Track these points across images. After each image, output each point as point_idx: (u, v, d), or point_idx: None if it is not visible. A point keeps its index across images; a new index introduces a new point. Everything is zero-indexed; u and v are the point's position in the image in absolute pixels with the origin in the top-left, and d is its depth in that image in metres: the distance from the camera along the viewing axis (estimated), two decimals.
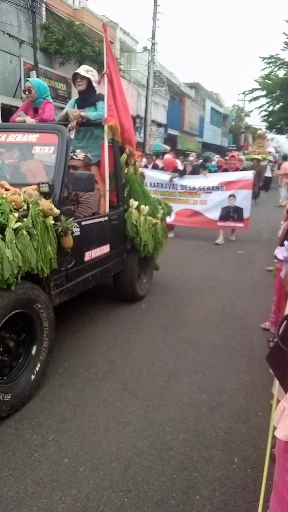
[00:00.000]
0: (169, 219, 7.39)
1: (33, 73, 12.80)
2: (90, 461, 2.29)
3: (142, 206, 4.43)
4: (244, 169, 9.82)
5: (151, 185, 8.22)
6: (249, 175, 8.12)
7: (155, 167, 10.11)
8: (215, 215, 8.14)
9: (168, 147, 20.97)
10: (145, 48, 22.80)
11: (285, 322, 1.55)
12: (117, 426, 2.59)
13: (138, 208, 4.41)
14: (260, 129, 25.60)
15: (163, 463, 2.30)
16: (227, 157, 11.57)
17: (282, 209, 7.79)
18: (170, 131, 27.14)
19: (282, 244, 3.43)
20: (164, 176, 8.53)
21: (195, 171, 8.88)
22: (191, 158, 10.79)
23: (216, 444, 2.46)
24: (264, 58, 27.48)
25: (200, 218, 8.29)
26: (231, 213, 8.04)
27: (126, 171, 4.43)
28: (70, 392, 2.94)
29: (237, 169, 8.41)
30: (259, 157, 16.34)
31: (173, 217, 7.81)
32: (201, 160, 14.22)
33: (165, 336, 3.94)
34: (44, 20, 14.66)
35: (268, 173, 18.66)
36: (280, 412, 1.40)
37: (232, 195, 7.99)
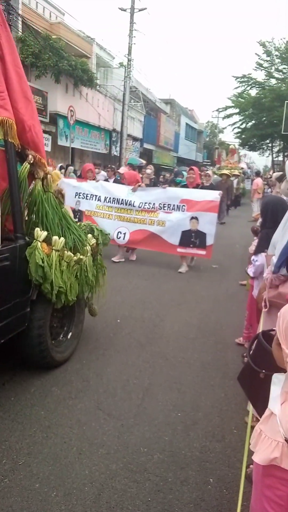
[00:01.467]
0: (122, 241, 7.27)
1: None
2: (62, 486, 2.21)
3: (55, 237, 3.18)
4: (211, 186, 9.30)
5: (105, 200, 7.48)
6: (215, 195, 6.88)
7: (116, 182, 8.64)
8: (174, 239, 7.01)
9: (144, 161, 21.14)
10: (121, 64, 23.09)
11: (255, 341, 1.55)
12: (91, 448, 2.52)
13: (47, 240, 3.17)
14: (233, 144, 26.19)
15: (137, 485, 2.24)
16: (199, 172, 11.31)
17: (255, 223, 7.95)
18: (146, 145, 27.41)
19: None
20: (121, 191, 7.48)
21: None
22: (148, 171, 9.63)
23: (191, 464, 2.43)
24: (237, 77, 28.37)
25: (157, 241, 7.16)
26: (193, 238, 6.90)
27: (30, 188, 3.29)
28: (43, 413, 2.85)
29: (197, 186, 7.43)
30: (228, 172, 15.99)
31: (127, 238, 7.29)
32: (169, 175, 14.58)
33: (140, 351, 3.90)
34: (20, 33, 14.65)
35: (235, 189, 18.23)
36: (256, 435, 1.38)
37: (195, 218, 6.88)
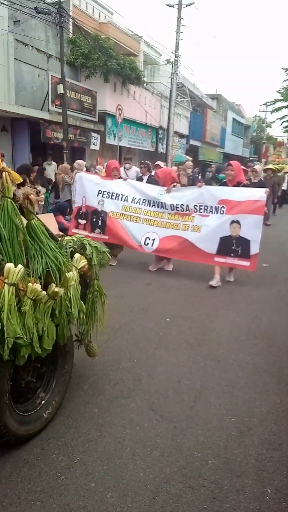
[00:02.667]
0: (150, 248, 6.41)
1: (60, 86, 13.03)
2: (117, 487, 2.22)
3: (9, 265, 2.20)
4: (260, 182, 8.63)
5: (133, 200, 6.64)
6: (260, 194, 5.78)
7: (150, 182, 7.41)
8: (211, 247, 5.99)
9: (190, 158, 20.98)
10: (168, 61, 23.00)
11: None
12: (144, 449, 2.52)
13: None
14: (282, 138, 25.37)
15: (192, 492, 2.21)
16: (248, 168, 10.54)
17: None
18: (192, 142, 27.16)
19: None
20: (151, 190, 6.60)
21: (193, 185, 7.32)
22: (189, 169, 8.97)
23: (248, 472, 2.36)
24: (287, 69, 27.39)
25: (191, 249, 6.16)
26: (234, 245, 5.85)
27: None
28: (96, 411, 2.88)
29: (238, 184, 6.09)
30: (274, 167, 14.92)
31: (156, 245, 6.39)
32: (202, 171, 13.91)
33: (190, 352, 3.85)
34: (71, 35, 14.96)
35: (285, 186, 16.84)
36: None
37: (236, 221, 5.83)
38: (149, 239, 6.46)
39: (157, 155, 21.39)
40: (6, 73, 12.18)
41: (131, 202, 6.67)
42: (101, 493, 2.17)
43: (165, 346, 3.97)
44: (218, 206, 6.00)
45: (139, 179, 7.67)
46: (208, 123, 29.31)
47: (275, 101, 29.89)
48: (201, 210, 6.16)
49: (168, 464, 2.40)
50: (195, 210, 6.20)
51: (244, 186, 6.14)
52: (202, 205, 6.15)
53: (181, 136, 25.29)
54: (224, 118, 34.99)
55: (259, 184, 8.41)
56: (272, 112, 31.65)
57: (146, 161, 8.16)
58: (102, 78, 15.45)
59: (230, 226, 5.90)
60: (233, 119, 37.55)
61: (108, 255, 3.18)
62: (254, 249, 5.77)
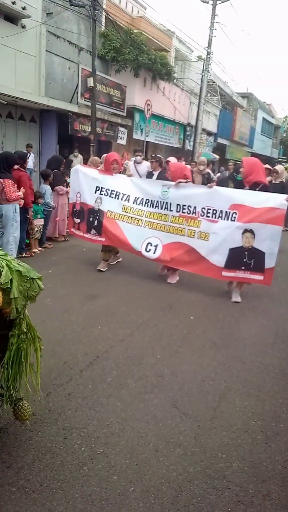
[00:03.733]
0: (152, 256, 5.62)
1: (90, 79, 13.05)
2: (140, 482, 2.19)
3: None
4: (282, 184, 7.91)
5: (135, 200, 5.84)
6: (280, 201, 4.88)
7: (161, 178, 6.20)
8: (219, 258, 5.17)
9: (217, 156, 20.73)
10: (199, 57, 22.73)
11: None
12: (167, 446, 2.48)
13: None
14: None
15: (216, 493, 2.16)
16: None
17: None
18: (220, 140, 26.82)
19: None
20: (154, 188, 5.72)
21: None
22: (201, 166, 8.17)
23: (274, 478, 2.29)
24: None
25: (196, 260, 5.37)
26: (246, 258, 5.03)
27: None
28: (119, 404, 2.86)
29: (256, 185, 5.09)
30: None
31: (158, 252, 5.59)
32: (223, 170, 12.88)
33: (215, 352, 3.79)
34: (104, 28, 14.95)
35: None
36: None
37: (249, 231, 4.99)
38: (151, 245, 5.66)
39: (184, 152, 21.22)
40: (37, 64, 12.25)
41: (133, 202, 5.84)
42: (123, 486, 2.15)
43: (189, 344, 3.91)
44: (230, 212, 5.12)
45: (150, 174, 6.64)
46: (238, 121, 28.88)
47: None
48: (209, 215, 5.29)
49: (192, 463, 2.35)
50: (202, 214, 5.33)
51: (263, 188, 5.08)
52: (210, 209, 5.27)
53: (209, 134, 25.01)
54: (254, 117, 34.41)
55: (281, 187, 7.78)
56: None
57: (158, 155, 7.33)
58: (132, 73, 15.37)
59: (243, 236, 5.02)
60: (263, 118, 36.91)
61: (40, 283, 2.27)
62: (270, 262, 4.97)
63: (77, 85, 13.51)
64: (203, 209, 5.34)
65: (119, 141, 16.04)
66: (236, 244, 5.06)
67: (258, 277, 5.06)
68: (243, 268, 5.07)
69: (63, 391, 2.96)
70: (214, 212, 5.26)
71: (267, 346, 3.99)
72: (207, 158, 18.34)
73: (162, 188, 5.66)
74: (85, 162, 12.38)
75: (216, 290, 5.59)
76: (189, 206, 5.45)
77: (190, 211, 5.44)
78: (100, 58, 14.95)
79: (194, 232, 5.40)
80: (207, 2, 19.98)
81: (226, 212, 5.16)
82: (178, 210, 5.54)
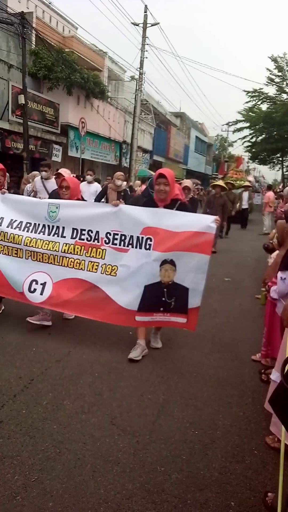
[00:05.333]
0: (38, 298, 4.19)
1: (21, 97, 12.87)
2: (77, 505, 2.11)
3: None
4: (193, 201, 7.01)
5: (10, 223, 4.39)
6: (207, 223, 3.82)
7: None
8: (131, 299, 3.94)
9: (153, 173, 21.23)
10: (132, 77, 23.36)
11: None
12: (105, 465, 2.43)
13: None
14: (241, 155, 26.12)
15: (155, 507, 2.14)
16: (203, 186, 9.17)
17: (266, 238, 7.86)
18: (156, 157, 27.55)
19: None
20: (41, 208, 4.35)
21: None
22: (118, 181, 7.16)
23: (211, 485, 2.32)
24: (248, 92, 28.55)
25: (101, 303, 4.06)
26: (165, 296, 3.88)
27: None
28: (55, 427, 2.76)
29: (174, 203, 3.95)
30: (222, 183, 12.01)
31: (47, 293, 4.19)
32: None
33: (154, 365, 3.80)
34: (34, 46, 14.89)
35: (244, 204, 15.57)
36: None
37: (169, 261, 3.84)
38: (36, 283, 4.25)
39: (121, 169, 21.50)
40: None
41: (7, 226, 4.38)
42: None
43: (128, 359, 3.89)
44: (142, 237, 3.92)
45: (53, 195, 5.12)
46: (172, 139, 29.90)
47: (236, 122, 30.96)
48: (116, 242, 4.04)
49: (130, 480, 2.32)
50: (107, 241, 4.07)
51: (182, 207, 3.98)
52: (118, 234, 4.03)
53: (145, 151, 25.61)
54: (187, 136, 35.84)
55: (191, 203, 6.60)
56: (234, 132, 32.75)
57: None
58: (65, 91, 15.42)
59: (161, 268, 3.84)
60: (196, 137, 38.56)
61: None
62: (195, 301, 3.91)
63: (8, 102, 13.26)
64: (108, 235, 4.07)
65: (53, 158, 15.91)
66: (152, 279, 3.86)
67: (181, 319, 3.95)
68: (161, 309, 3.91)
69: None
70: (123, 238, 4.02)
71: (204, 356, 4.08)
72: (143, 175, 18.73)
73: (49, 207, 4.28)
74: (19, 179, 12.11)
75: None
76: (89, 230, 4.14)
77: (90, 237, 4.13)
78: (31, 76, 14.84)
79: (97, 265, 4.09)
80: (138, 25, 20.67)
81: (138, 238, 3.94)
82: (73, 236, 4.18)
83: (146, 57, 20.85)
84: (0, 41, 13.50)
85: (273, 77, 27.20)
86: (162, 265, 3.86)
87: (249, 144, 31.07)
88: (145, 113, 25.00)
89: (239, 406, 3.18)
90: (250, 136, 30.49)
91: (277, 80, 27.33)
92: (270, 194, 14.85)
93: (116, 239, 4.06)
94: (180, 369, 3.76)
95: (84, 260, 4.15)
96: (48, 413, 2.91)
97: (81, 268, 4.16)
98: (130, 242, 4.00)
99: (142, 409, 3.05)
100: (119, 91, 23.76)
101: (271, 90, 28.86)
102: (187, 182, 7.24)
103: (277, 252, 4.00)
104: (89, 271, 4.13)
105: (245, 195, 15.72)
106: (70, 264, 4.20)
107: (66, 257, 4.21)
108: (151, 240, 3.91)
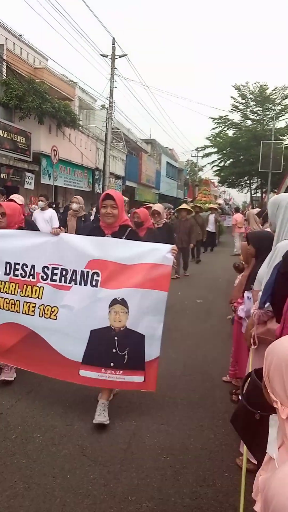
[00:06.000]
0: None
1: None
2: None
3: None
4: (167, 227, 6.51)
5: None
6: (163, 253, 3.25)
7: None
8: (73, 348, 3.27)
9: (126, 198, 21.47)
10: (103, 106, 23.87)
11: (249, 379, 1.51)
12: (75, 499, 2.38)
13: None
14: (207, 178, 26.80)
15: None
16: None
17: (237, 258, 8.03)
18: (128, 183, 27.92)
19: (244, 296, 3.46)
20: None
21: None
22: (74, 205, 6.78)
23: None
24: (215, 119, 29.62)
25: (40, 352, 3.39)
26: (116, 347, 3.17)
27: None
28: (24, 461, 2.70)
29: (124, 229, 3.36)
30: (188, 206, 11.40)
31: None
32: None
33: (125, 391, 3.76)
34: (5, 77, 15.09)
35: (211, 227, 15.21)
36: (258, 483, 1.28)
37: (120, 301, 3.18)
38: None
39: (94, 195, 21.67)
40: None
41: None
42: None
43: (100, 387, 3.85)
44: (88, 272, 3.24)
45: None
46: (143, 165, 30.44)
47: (205, 147, 31.94)
48: (55, 277, 3.35)
49: None
50: (45, 277, 3.38)
51: (132, 235, 3.38)
52: (58, 268, 3.35)
53: (117, 177, 25.94)
54: (158, 162, 36.57)
55: (166, 231, 6.29)
56: (202, 157, 33.74)
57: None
58: (36, 120, 15.59)
59: (110, 310, 3.15)
60: (167, 162, 39.37)
61: None
62: (152, 351, 3.22)
63: None
64: (45, 269, 3.37)
65: (26, 186, 15.92)
66: (100, 322, 3.16)
67: (137, 378, 3.21)
68: (112, 364, 3.14)
69: None
70: (64, 273, 3.31)
71: (175, 379, 4.09)
72: None
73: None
74: None
75: None
76: (24, 264, 3.45)
77: (25, 272, 3.43)
78: (2, 106, 14.96)
79: (34, 306, 3.38)
80: (106, 57, 21.30)
81: (83, 272, 3.25)
82: (7, 272, 3.50)
83: (116, 87, 21.44)
84: None
85: (237, 104, 28.40)
86: (112, 306, 3.15)
87: (218, 168, 32.02)
88: (116, 141, 25.47)
89: (210, 428, 3.20)
90: (219, 161, 31.47)
91: (241, 107, 28.54)
92: (238, 215, 15.23)
93: (56, 274, 3.35)
94: (151, 393, 3.72)
95: (19, 301, 3.43)
96: (17, 447, 2.85)
97: (16, 311, 3.46)
98: (73, 278, 3.29)
99: (114, 438, 3.02)
100: (90, 120, 24.19)
101: (236, 117, 30.01)
102: (157, 206, 6.75)
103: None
104: (25, 313, 3.41)
105: (211, 218, 15.58)
106: (6, 306, 3.50)
107: (2, 297, 3.52)
108: (98, 275, 3.22)
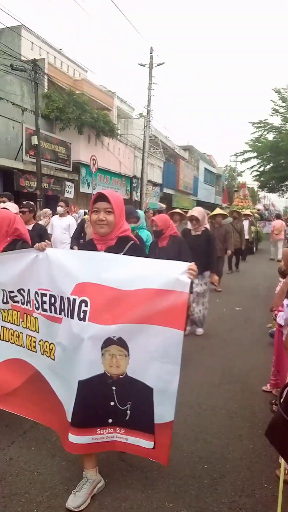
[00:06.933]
0: None
1: (34, 137, 13.43)
2: None
3: None
4: (206, 234, 5.61)
5: None
6: (176, 275, 2.16)
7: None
8: (67, 402, 2.33)
9: (164, 205, 21.56)
10: (141, 115, 24.18)
11: (286, 389, 1.48)
12: (113, 502, 2.41)
13: None
14: (244, 181, 26.30)
15: None
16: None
17: (277, 264, 7.85)
18: (166, 190, 28.01)
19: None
20: None
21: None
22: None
23: None
24: (254, 123, 29.18)
25: (44, 397, 2.51)
26: (115, 399, 2.26)
27: None
28: (64, 463, 2.76)
29: (121, 242, 2.48)
30: (222, 212, 10.49)
31: None
32: None
33: None
34: (46, 90, 15.66)
35: (246, 234, 13.28)
36: None
37: (116, 341, 2.21)
38: None
39: (132, 203, 21.89)
40: None
41: None
42: None
43: None
44: (74, 300, 2.32)
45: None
46: (181, 172, 30.45)
47: (244, 152, 31.47)
48: (45, 306, 2.50)
49: None
50: (37, 305, 2.55)
51: (134, 249, 2.49)
52: (46, 294, 2.50)
53: (155, 184, 26.10)
54: (196, 168, 36.46)
55: (205, 240, 5.52)
56: (241, 162, 33.25)
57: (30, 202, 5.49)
58: (76, 130, 16.03)
59: (104, 353, 2.24)
60: (205, 168, 39.18)
61: None
62: (165, 411, 2.29)
63: (22, 143, 13.84)
64: (36, 296, 2.55)
65: (66, 195, 16.36)
66: (90, 371, 2.26)
67: (144, 442, 2.29)
68: (110, 420, 2.31)
69: (4, 456, 2.82)
70: (52, 300, 2.46)
71: (213, 387, 4.05)
72: (154, 208, 19.01)
73: None
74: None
75: None
76: (21, 289, 2.66)
77: (23, 298, 2.66)
78: (44, 118, 15.51)
79: (34, 341, 2.60)
80: (144, 66, 21.58)
81: (69, 300, 2.34)
82: (5, 300, 2.74)
83: (153, 95, 21.66)
84: (15, 86, 14.26)
85: (277, 107, 27.81)
86: (106, 348, 2.22)
87: (257, 173, 31.42)
88: (154, 148, 25.66)
89: (249, 438, 3.14)
90: (258, 166, 30.87)
91: (281, 110, 27.93)
92: (277, 222, 14.89)
93: (45, 302, 2.49)
94: (189, 401, 3.73)
95: (22, 333, 2.68)
96: (57, 450, 2.92)
97: (21, 345, 2.69)
98: (62, 308, 2.40)
99: None
100: (128, 128, 24.55)
101: (277, 120, 29.38)
102: (195, 211, 5.68)
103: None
104: (29, 349, 2.63)
105: (246, 224, 13.50)
106: (11, 338, 2.75)
107: (6, 328, 2.78)
108: (86, 305, 2.27)
